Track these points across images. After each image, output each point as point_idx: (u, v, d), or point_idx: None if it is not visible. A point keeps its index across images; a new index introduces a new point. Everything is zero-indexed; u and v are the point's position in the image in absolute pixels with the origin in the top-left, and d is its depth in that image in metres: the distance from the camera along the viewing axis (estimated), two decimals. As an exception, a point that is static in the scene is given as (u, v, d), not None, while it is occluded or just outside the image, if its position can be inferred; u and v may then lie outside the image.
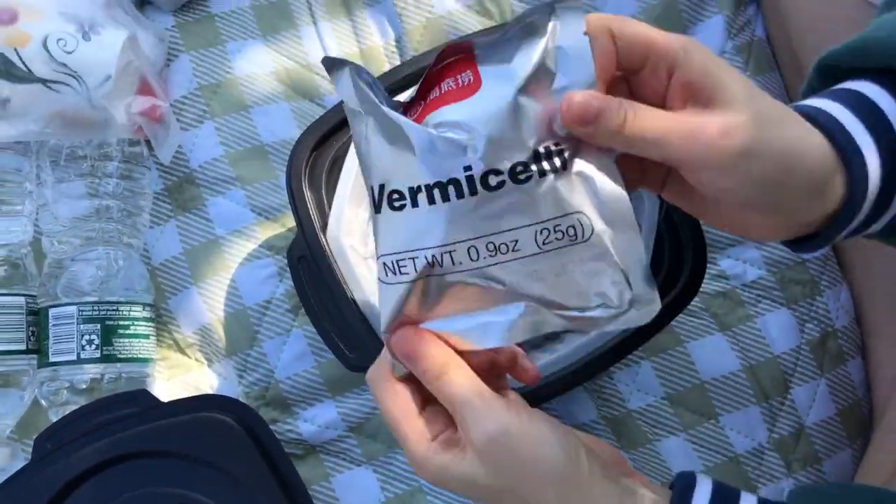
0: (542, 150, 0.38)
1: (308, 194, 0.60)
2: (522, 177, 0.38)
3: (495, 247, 0.38)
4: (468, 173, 0.37)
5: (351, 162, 0.62)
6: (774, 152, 0.39)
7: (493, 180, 0.37)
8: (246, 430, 0.61)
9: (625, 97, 0.39)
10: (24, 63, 0.62)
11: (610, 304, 0.40)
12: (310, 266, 0.59)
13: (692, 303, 0.68)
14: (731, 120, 0.38)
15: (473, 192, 0.37)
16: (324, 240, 0.59)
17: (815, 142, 0.41)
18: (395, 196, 0.38)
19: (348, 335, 0.59)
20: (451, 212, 0.38)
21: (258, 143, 0.70)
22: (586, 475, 0.41)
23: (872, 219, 0.43)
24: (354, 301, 0.58)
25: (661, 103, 0.40)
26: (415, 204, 0.38)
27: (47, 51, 0.62)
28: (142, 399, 0.62)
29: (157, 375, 0.67)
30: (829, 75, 0.47)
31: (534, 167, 0.38)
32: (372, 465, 0.66)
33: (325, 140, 0.61)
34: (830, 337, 0.71)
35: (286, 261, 0.67)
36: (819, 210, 0.42)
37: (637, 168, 0.43)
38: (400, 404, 0.42)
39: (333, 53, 0.72)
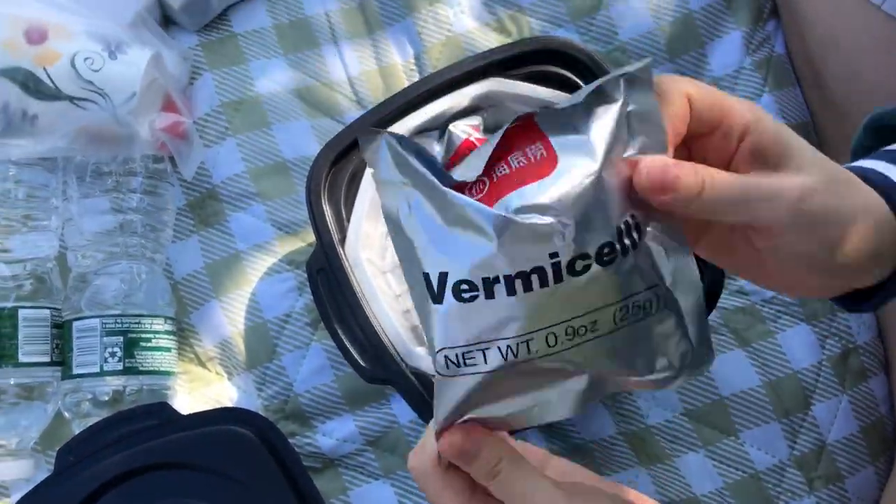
0: (622, 225, 0.35)
1: (327, 208, 0.61)
2: (608, 258, 0.34)
3: (574, 330, 0.35)
4: (555, 260, 0.34)
5: (368, 180, 0.63)
6: (847, 215, 0.39)
7: (579, 265, 0.34)
8: (265, 444, 0.61)
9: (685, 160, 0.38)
10: (52, 81, 0.63)
11: (673, 366, 0.38)
12: (328, 278, 0.60)
13: (711, 318, 0.69)
14: (808, 182, 0.38)
15: (559, 279, 0.34)
16: (342, 253, 0.60)
17: (877, 203, 0.40)
18: (464, 287, 0.34)
19: (365, 347, 0.59)
20: (533, 301, 0.34)
21: (279, 160, 0.71)
22: None
23: None
24: (372, 313, 0.59)
25: (726, 167, 0.39)
26: (490, 296, 0.34)
27: (75, 69, 0.63)
28: (162, 412, 0.63)
29: (177, 388, 0.68)
30: (878, 135, 0.47)
31: (618, 246, 0.35)
32: (390, 479, 0.66)
33: (345, 155, 0.62)
34: (852, 353, 0.70)
35: (305, 275, 0.68)
36: (879, 271, 0.41)
37: None
38: (449, 497, 0.39)
39: (354, 71, 0.74)
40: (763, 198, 0.38)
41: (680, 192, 0.36)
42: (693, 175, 0.36)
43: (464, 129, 0.65)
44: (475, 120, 0.65)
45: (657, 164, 0.36)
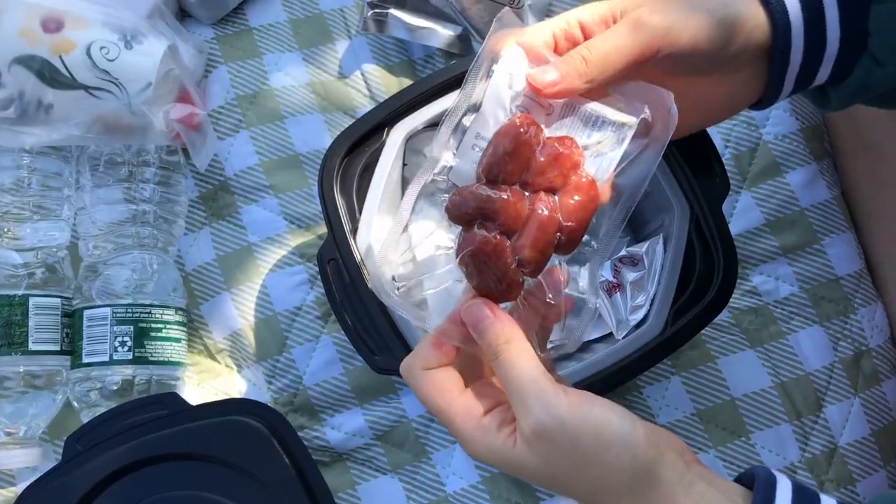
0: None
1: (339, 199, 0.60)
2: None
3: None
4: None
5: (381, 170, 0.62)
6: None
7: None
8: (274, 435, 0.61)
9: None
10: (67, 70, 0.63)
11: None
12: (339, 269, 0.60)
13: (723, 318, 0.68)
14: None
15: None
16: (353, 244, 0.60)
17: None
18: None
19: (375, 338, 0.59)
20: None
21: (292, 153, 0.71)
22: (664, 465, 0.41)
23: (812, 65, 0.47)
24: (382, 304, 0.59)
25: None
26: None
27: (90, 58, 0.63)
28: (171, 402, 0.62)
29: (186, 380, 0.68)
30: None
31: None
32: (398, 473, 0.66)
33: (357, 146, 0.62)
34: (865, 356, 0.70)
35: (317, 268, 0.68)
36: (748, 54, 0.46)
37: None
38: (439, 385, 0.43)
39: (369, 68, 0.74)
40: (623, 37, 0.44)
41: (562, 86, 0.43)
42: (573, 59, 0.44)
43: None
44: None
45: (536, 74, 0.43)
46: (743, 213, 0.71)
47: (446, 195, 0.62)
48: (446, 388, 0.43)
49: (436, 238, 0.66)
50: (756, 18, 0.46)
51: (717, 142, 0.70)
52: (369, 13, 0.73)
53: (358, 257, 0.59)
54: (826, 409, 0.68)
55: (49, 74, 0.63)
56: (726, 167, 0.64)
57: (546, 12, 0.75)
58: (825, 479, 0.67)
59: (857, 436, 0.68)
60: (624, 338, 0.60)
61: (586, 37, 0.46)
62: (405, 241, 0.65)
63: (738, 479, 0.44)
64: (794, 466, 0.67)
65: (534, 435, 0.41)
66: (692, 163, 0.62)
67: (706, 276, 0.61)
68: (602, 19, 0.46)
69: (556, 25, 0.46)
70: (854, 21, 0.46)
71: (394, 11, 0.72)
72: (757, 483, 0.42)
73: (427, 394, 0.44)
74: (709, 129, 0.63)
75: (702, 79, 0.48)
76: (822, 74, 0.48)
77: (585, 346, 0.63)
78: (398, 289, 0.61)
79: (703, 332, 0.62)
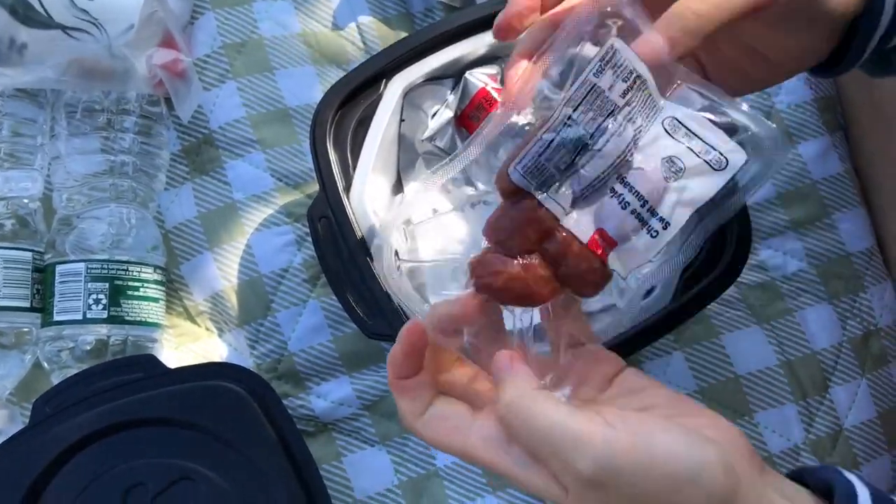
0: None
1: (332, 153, 0.57)
2: None
3: None
4: None
5: (377, 124, 0.59)
6: None
7: None
8: (256, 402, 0.57)
9: None
10: (43, 7, 0.59)
11: None
12: (331, 227, 0.56)
13: (729, 293, 0.66)
14: None
15: None
16: (346, 201, 0.56)
17: None
18: None
19: (368, 300, 0.56)
20: None
21: (282, 107, 0.67)
22: (740, 493, 0.35)
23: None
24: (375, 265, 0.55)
25: None
26: None
27: (68, -4, 0.59)
28: (148, 365, 0.59)
29: (164, 343, 0.64)
30: None
31: None
32: (386, 445, 0.63)
33: (353, 98, 0.58)
34: (873, 336, 0.67)
35: (305, 229, 0.65)
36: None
37: None
38: (442, 427, 0.40)
39: (365, 20, 0.70)
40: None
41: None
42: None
43: (480, 78, 0.61)
44: (493, 69, 0.62)
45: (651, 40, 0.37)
46: (753, 183, 0.68)
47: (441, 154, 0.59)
48: (453, 427, 0.39)
49: (431, 200, 0.63)
50: None
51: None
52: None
53: (351, 215, 0.56)
54: (832, 390, 0.66)
55: (23, 11, 0.59)
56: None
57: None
58: (829, 462, 0.65)
59: (863, 418, 0.66)
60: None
61: None
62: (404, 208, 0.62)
63: (798, 479, 0.39)
64: (798, 448, 0.65)
65: (585, 487, 0.35)
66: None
67: (718, 247, 0.58)
68: None
69: None
70: None
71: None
72: (837, 498, 0.37)
73: (439, 443, 0.39)
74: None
75: (778, 32, 0.43)
76: None
77: (589, 317, 0.60)
78: (398, 267, 0.57)
79: (707, 307, 0.59)
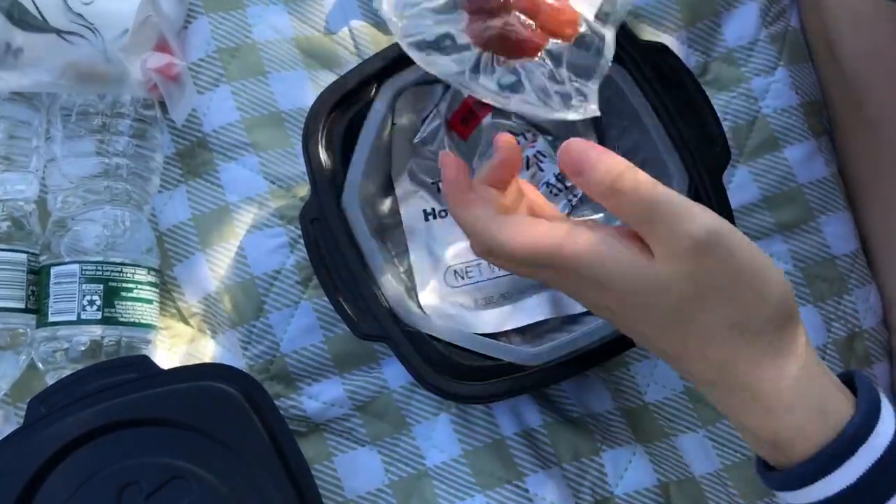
0: None
1: (324, 156, 0.58)
2: None
3: None
4: None
5: (369, 127, 0.60)
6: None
7: None
8: (249, 403, 0.58)
9: None
10: (39, 11, 0.60)
11: None
12: (322, 228, 0.57)
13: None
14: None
15: None
16: (338, 204, 0.57)
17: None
18: None
19: (359, 302, 0.56)
20: None
21: (275, 110, 0.68)
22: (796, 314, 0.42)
23: None
24: (367, 267, 0.56)
25: None
26: None
27: (64, 1, 0.60)
28: (141, 365, 0.59)
29: (158, 343, 0.65)
30: None
31: None
32: (377, 445, 0.64)
33: (344, 101, 0.59)
34: (857, 338, 0.68)
35: (298, 232, 0.65)
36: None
37: None
38: (480, 206, 0.46)
39: (357, 24, 0.71)
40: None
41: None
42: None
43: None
44: None
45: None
46: (739, 187, 0.69)
47: (433, 163, 0.61)
48: (542, 230, 0.44)
49: (422, 200, 0.64)
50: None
51: (716, 113, 0.68)
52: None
53: (342, 217, 0.57)
54: (817, 391, 0.67)
55: (18, 15, 0.60)
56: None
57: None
58: (814, 462, 0.66)
59: (848, 418, 0.67)
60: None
61: None
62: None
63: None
64: (784, 448, 0.65)
65: (686, 248, 0.39)
66: (691, 130, 0.60)
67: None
68: None
69: None
70: None
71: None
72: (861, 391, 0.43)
73: (524, 241, 0.44)
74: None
75: None
76: None
77: (575, 319, 0.61)
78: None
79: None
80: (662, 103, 0.60)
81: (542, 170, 0.58)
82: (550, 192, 0.58)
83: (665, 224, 0.40)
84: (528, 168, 0.58)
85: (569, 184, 0.56)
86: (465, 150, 0.63)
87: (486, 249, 0.46)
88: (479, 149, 0.63)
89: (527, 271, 0.47)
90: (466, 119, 0.62)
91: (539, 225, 0.44)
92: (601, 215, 0.61)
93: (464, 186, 0.47)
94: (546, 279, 0.48)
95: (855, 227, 0.71)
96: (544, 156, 0.59)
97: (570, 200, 0.58)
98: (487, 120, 0.62)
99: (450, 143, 0.63)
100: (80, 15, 0.60)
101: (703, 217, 0.40)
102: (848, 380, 0.45)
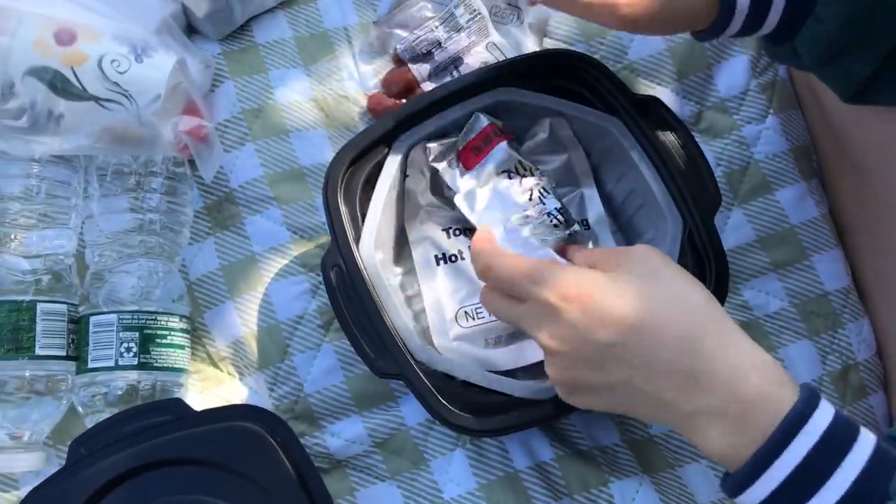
0: None
1: (343, 207, 0.62)
2: None
3: None
4: None
5: (384, 180, 0.64)
6: None
7: None
8: (276, 441, 0.61)
9: None
10: (79, 81, 0.65)
11: None
12: (342, 275, 0.61)
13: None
14: None
15: None
16: (357, 251, 0.61)
17: None
18: None
19: (377, 342, 0.60)
20: None
21: (296, 166, 0.73)
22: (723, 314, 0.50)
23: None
24: (384, 310, 0.60)
25: None
26: None
27: (101, 70, 0.65)
28: (175, 408, 0.63)
29: (189, 387, 0.69)
30: None
31: None
32: (396, 480, 0.67)
33: (361, 157, 0.64)
34: (852, 370, 0.71)
35: (319, 278, 0.69)
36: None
37: None
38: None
39: (370, 84, 0.76)
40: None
41: None
42: None
43: (489, 118, 0.66)
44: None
45: None
46: (735, 228, 0.73)
47: (443, 211, 0.66)
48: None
49: (433, 246, 0.68)
50: None
51: (710, 160, 0.72)
52: (375, 33, 0.75)
53: (360, 264, 0.61)
54: (815, 421, 0.70)
55: (61, 85, 0.64)
56: (719, 184, 0.66)
57: (545, 32, 0.77)
58: (815, 490, 0.68)
59: (846, 448, 0.70)
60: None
61: None
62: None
63: None
64: (785, 476, 0.68)
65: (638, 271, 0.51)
66: (685, 176, 0.64)
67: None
68: None
69: None
70: None
71: (398, 31, 0.74)
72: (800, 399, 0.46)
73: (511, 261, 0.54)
74: (701, 147, 0.66)
75: None
76: (771, 21, 0.57)
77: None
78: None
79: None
80: (656, 151, 0.64)
81: (543, 202, 0.65)
82: (551, 221, 0.64)
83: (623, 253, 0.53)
84: (530, 199, 0.65)
85: (566, 217, 0.65)
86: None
87: (485, 266, 0.55)
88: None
89: (520, 309, 0.54)
90: (480, 148, 0.66)
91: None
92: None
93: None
94: (527, 315, 0.53)
95: (846, 263, 0.74)
96: (547, 192, 0.65)
97: (568, 235, 0.64)
98: (502, 146, 0.67)
99: (455, 168, 0.67)
100: (116, 83, 0.65)
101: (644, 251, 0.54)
102: None
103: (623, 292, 0.49)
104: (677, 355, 0.47)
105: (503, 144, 0.66)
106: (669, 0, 0.56)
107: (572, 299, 0.49)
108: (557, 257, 0.61)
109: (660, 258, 0.52)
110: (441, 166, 0.66)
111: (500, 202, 0.65)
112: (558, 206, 0.65)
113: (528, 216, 0.65)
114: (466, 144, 0.67)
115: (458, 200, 0.66)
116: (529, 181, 0.66)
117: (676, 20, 0.58)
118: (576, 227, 0.65)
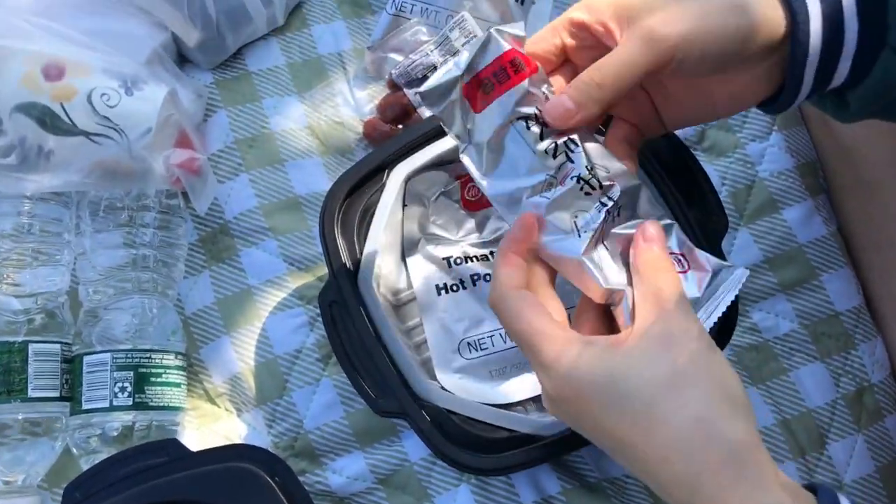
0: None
1: (340, 240, 0.61)
2: None
3: None
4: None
5: (382, 211, 0.63)
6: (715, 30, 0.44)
7: None
8: (275, 482, 0.60)
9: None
10: (68, 117, 0.64)
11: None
12: (340, 310, 0.60)
13: (724, 355, 0.68)
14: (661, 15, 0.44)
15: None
16: (355, 286, 0.60)
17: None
18: None
19: (377, 379, 0.59)
20: None
21: (292, 196, 0.71)
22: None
23: (831, 62, 0.47)
24: (384, 346, 0.59)
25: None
26: None
27: (91, 105, 0.64)
28: (171, 448, 0.62)
29: (186, 425, 0.67)
30: None
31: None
32: (400, 517, 0.65)
33: (358, 188, 0.62)
34: (867, 392, 0.70)
35: (317, 311, 0.68)
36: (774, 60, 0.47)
37: (635, 131, 0.51)
38: (530, 311, 0.46)
39: (365, 110, 0.74)
40: (634, 52, 0.44)
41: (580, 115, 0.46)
42: (581, 88, 0.46)
43: (513, 34, 0.50)
44: (518, 29, 0.50)
45: (553, 103, 0.47)
46: (741, 249, 0.71)
47: (443, 241, 0.64)
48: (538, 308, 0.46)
49: (434, 276, 0.66)
50: (774, 21, 0.45)
51: (714, 179, 0.70)
52: (370, 58, 0.74)
53: (359, 300, 0.59)
54: (830, 446, 0.68)
55: (50, 121, 0.63)
56: (724, 204, 0.64)
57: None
58: (831, 517, 0.66)
59: (862, 473, 0.68)
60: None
61: (588, 39, 0.48)
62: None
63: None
64: (800, 504, 0.66)
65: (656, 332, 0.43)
66: (689, 200, 0.63)
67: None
68: (605, 23, 0.46)
69: (559, 26, 0.48)
70: (872, 12, 0.45)
71: (393, 55, 0.73)
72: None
73: (522, 317, 0.45)
74: (705, 167, 0.64)
75: (713, 76, 0.47)
76: (842, 70, 0.47)
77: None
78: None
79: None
80: (661, 176, 0.63)
81: (571, 161, 0.48)
82: (581, 189, 0.48)
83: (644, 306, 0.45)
84: (555, 157, 0.48)
85: (604, 183, 0.48)
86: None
87: (497, 297, 0.47)
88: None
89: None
90: (491, 82, 0.50)
91: (543, 314, 0.45)
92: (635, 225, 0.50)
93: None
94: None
95: (857, 282, 0.72)
96: (576, 144, 0.48)
97: (603, 203, 0.47)
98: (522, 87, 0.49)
99: (459, 112, 0.52)
100: (106, 118, 0.64)
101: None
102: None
103: (624, 409, 0.42)
104: (679, 490, 0.43)
105: (524, 85, 0.48)
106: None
107: (566, 400, 0.44)
108: (589, 265, 0.47)
109: (689, 334, 0.44)
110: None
111: (513, 160, 0.49)
112: (588, 165, 0.48)
113: (550, 181, 0.48)
114: (476, 75, 0.50)
115: (465, 160, 0.51)
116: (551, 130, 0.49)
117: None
118: (609, 197, 0.48)
